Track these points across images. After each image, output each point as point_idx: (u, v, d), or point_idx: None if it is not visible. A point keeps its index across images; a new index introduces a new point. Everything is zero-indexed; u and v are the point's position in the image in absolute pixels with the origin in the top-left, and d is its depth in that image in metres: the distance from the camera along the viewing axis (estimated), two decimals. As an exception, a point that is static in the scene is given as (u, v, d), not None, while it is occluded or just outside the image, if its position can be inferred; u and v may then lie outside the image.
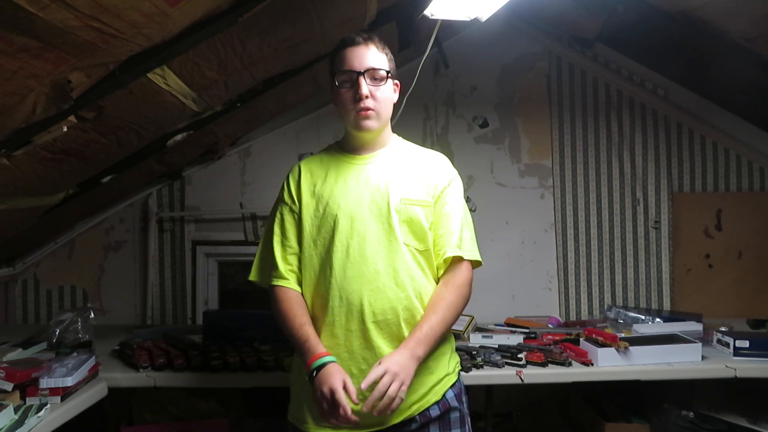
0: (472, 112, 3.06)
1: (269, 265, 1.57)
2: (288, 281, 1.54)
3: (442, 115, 3.06)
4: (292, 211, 1.58)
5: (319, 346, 1.44)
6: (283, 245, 1.56)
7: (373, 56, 1.51)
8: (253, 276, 1.61)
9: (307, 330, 1.47)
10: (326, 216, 1.52)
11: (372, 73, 1.50)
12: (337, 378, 1.36)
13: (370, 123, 1.51)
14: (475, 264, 1.58)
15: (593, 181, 3.06)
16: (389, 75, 1.53)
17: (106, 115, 1.60)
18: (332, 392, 1.35)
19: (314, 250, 1.54)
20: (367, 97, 1.48)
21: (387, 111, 1.55)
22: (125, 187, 2.73)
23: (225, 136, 2.74)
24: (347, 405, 1.34)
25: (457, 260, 1.54)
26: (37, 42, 1.08)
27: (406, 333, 1.47)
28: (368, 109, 1.49)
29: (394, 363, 1.38)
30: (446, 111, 3.06)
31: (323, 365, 1.40)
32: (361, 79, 1.48)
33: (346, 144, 1.63)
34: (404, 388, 1.37)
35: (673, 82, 3.03)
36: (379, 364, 1.38)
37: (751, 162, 3.04)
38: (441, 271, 1.56)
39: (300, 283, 1.55)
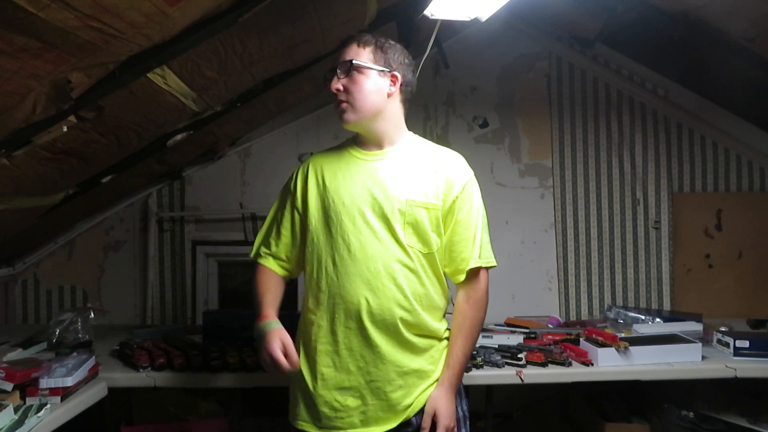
0: (472, 112, 3.06)
1: (259, 243, 1.68)
2: (267, 261, 1.63)
3: (442, 115, 3.06)
4: (293, 204, 1.61)
5: (268, 308, 1.55)
6: (276, 230, 1.63)
7: (351, 52, 1.53)
8: (252, 253, 1.70)
9: (267, 298, 1.58)
10: (330, 212, 1.53)
11: (344, 66, 1.52)
12: (275, 342, 1.44)
13: (346, 116, 1.53)
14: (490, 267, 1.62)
15: (593, 181, 3.06)
16: (356, 66, 1.51)
17: (106, 115, 1.59)
18: (272, 356, 1.43)
19: (317, 246, 1.55)
20: (337, 90, 1.52)
21: (364, 103, 1.52)
22: (125, 187, 2.72)
23: (225, 136, 2.74)
24: (286, 364, 1.42)
25: (477, 269, 1.57)
26: (37, 42, 1.08)
27: (404, 333, 1.48)
28: (341, 102, 1.53)
29: (445, 416, 1.48)
30: (446, 111, 3.06)
31: (267, 330, 1.48)
32: (335, 75, 1.52)
33: (357, 139, 1.64)
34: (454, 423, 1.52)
35: (673, 82, 3.03)
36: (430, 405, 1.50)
37: (751, 162, 3.04)
38: (459, 277, 1.57)
39: (283, 267, 1.64)
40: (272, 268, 1.63)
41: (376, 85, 1.53)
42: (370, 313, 1.46)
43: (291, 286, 1.73)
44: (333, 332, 1.49)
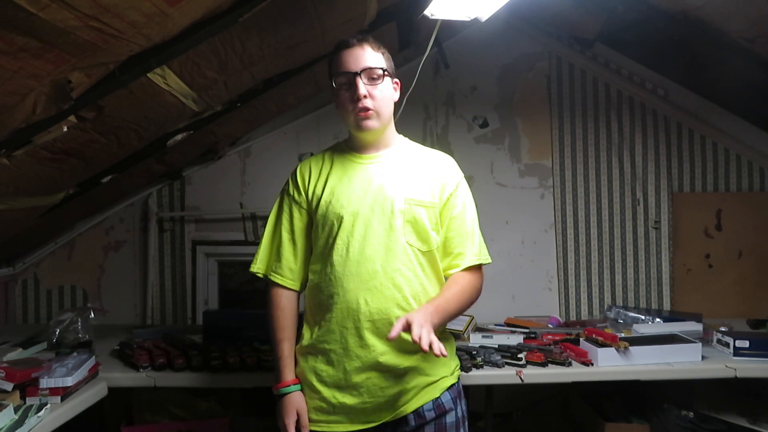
0: (472, 112, 3.06)
1: (269, 258, 1.61)
2: (283, 279, 1.59)
3: (442, 115, 3.06)
4: (298, 205, 1.60)
5: (286, 370, 1.54)
6: (289, 240, 1.60)
7: (368, 56, 1.50)
8: (253, 267, 1.62)
9: (283, 348, 1.55)
10: (329, 214, 1.53)
11: (368, 73, 1.50)
12: (290, 414, 1.49)
13: (370, 123, 1.51)
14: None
15: (593, 181, 3.06)
16: (386, 73, 1.52)
17: (106, 115, 1.60)
18: (285, 427, 1.49)
19: (317, 248, 1.57)
20: (365, 96, 1.48)
21: (387, 110, 1.54)
22: (125, 187, 2.73)
23: (225, 136, 2.74)
24: None
25: (474, 266, 1.59)
26: (37, 42, 1.08)
27: (402, 334, 1.47)
28: (367, 109, 1.49)
29: (417, 320, 1.35)
30: (446, 111, 3.06)
31: (285, 394, 1.52)
32: (358, 80, 1.48)
33: (351, 143, 1.63)
34: (428, 326, 1.35)
35: (673, 82, 3.03)
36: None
37: (751, 162, 3.04)
38: (452, 271, 1.59)
39: (298, 279, 1.60)
40: (288, 287, 1.59)
41: (391, 91, 1.56)
42: (369, 314, 1.47)
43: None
44: (330, 331, 1.50)
